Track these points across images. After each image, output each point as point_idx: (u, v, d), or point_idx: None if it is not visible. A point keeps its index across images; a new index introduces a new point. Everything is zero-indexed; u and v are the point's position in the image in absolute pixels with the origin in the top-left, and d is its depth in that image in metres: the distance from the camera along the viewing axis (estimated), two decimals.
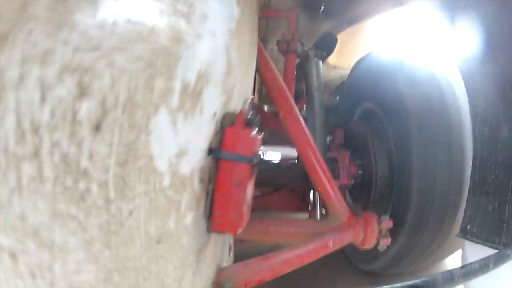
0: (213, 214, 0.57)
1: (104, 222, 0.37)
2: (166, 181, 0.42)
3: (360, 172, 1.50)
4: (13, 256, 0.36)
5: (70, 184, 0.35)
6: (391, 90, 1.33)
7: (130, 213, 0.38)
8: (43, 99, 0.33)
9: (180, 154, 0.44)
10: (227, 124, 0.61)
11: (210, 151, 0.54)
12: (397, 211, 1.29)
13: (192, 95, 0.45)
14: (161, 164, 0.41)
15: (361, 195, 1.60)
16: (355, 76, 1.73)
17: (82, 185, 0.35)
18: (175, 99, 0.41)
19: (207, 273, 0.61)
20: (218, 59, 0.54)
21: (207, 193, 0.56)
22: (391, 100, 1.33)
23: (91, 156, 0.36)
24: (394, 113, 1.32)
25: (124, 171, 0.37)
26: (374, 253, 1.24)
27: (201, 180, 0.52)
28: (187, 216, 0.48)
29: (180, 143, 0.44)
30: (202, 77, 0.47)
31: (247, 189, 0.58)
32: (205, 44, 0.47)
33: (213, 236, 0.62)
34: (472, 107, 0.99)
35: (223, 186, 0.56)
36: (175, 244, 0.44)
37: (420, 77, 1.28)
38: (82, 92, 0.34)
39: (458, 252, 1.40)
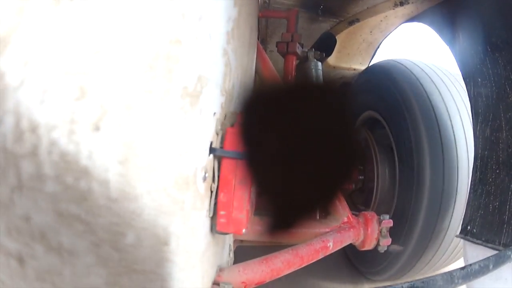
0: (217, 214, 0.56)
1: (109, 223, 0.36)
2: (169, 180, 0.41)
3: (361, 177, 1.50)
4: (21, 260, 0.35)
5: (71, 182, 0.34)
6: (392, 99, 1.34)
7: (134, 213, 0.38)
8: (42, 100, 0.33)
9: (181, 152, 0.44)
10: (228, 124, 0.61)
11: (211, 149, 0.54)
12: (403, 218, 1.29)
13: (191, 96, 0.45)
14: (163, 163, 0.40)
15: (361, 201, 1.60)
16: (357, 86, 1.74)
17: (83, 183, 0.35)
18: (174, 100, 0.42)
19: (209, 275, 0.60)
20: (216, 61, 0.54)
21: (212, 192, 0.55)
22: (393, 109, 1.34)
23: (90, 155, 0.35)
24: (396, 122, 1.33)
25: (124, 169, 0.37)
26: (383, 260, 1.25)
27: (205, 179, 0.51)
28: (192, 216, 0.47)
29: (180, 142, 0.44)
30: (201, 78, 0.47)
31: (250, 188, 0.57)
32: (203, 46, 0.48)
33: (216, 236, 0.61)
34: (473, 107, 0.99)
35: (227, 184, 0.56)
36: (181, 245, 0.44)
37: (421, 85, 1.30)
38: (82, 93, 0.35)
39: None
